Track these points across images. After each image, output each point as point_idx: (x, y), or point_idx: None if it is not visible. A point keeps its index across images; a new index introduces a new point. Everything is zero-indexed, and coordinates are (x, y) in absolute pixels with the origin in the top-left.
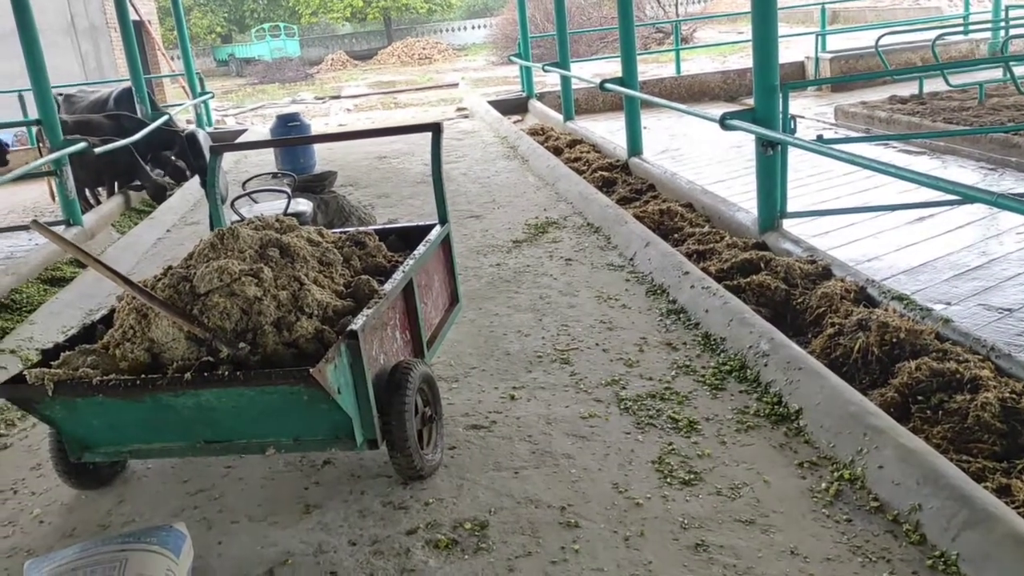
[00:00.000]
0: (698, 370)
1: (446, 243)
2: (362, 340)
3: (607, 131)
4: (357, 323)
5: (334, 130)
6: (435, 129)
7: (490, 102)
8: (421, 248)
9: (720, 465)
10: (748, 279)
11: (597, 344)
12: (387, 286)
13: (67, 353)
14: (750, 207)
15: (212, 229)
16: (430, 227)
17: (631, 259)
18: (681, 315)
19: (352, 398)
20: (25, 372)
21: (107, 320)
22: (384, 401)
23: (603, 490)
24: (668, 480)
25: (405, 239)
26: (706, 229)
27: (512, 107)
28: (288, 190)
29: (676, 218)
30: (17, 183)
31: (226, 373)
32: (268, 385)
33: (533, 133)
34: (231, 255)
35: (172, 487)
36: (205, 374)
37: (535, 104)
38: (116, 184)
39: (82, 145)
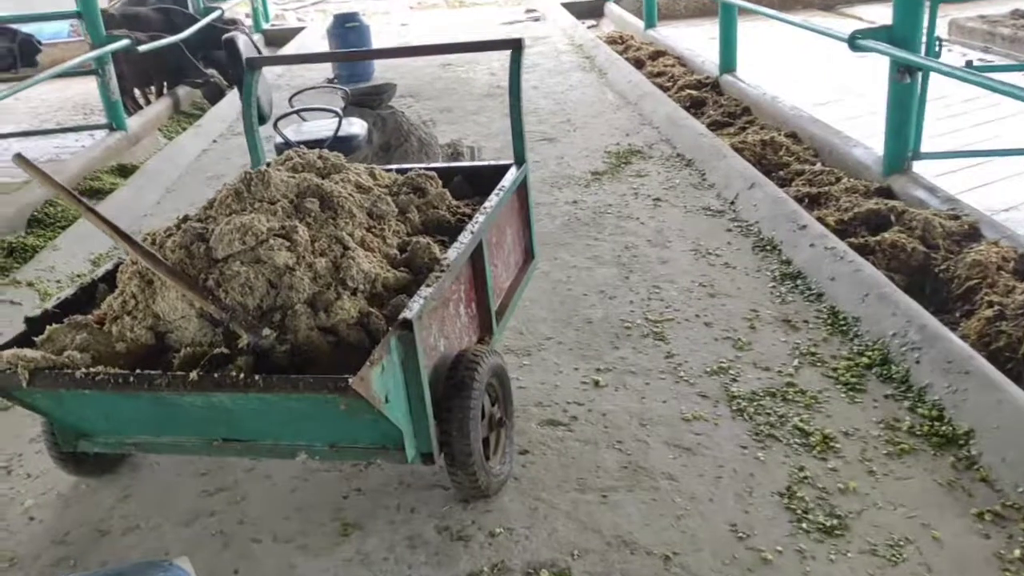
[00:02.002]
0: (827, 360)
1: (522, 189)
2: (418, 331)
3: (692, 41)
4: (412, 308)
5: (395, 30)
6: (515, 47)
7: (563, 4)
8: (494, 198)
9: (871, 508)
10: (878, 237)
11: (697, 315)
12: (451, 253)
13: (53, 327)
14: (870, 142)
15: (251, 158)
16: (504, 168)
17: (732, 203)
18: (799, 281)
19: (403, 405)
20: None
21: (112, 277)
22: (443, 404)
23: (718, 533)
24: (802, 525)
25: (473, 180)
26: (818, 167)
27: (586, 10)
28: (339, 110)
29: (781, 151)
30: (69, 78)
31: (240, 377)
32: (294, 393)
33: (611, 42)
34: (259, 208)
35: (187, 482)
36: (215, 375)
37: (612, 7)
38: (165, 84)
39: (125, 42)
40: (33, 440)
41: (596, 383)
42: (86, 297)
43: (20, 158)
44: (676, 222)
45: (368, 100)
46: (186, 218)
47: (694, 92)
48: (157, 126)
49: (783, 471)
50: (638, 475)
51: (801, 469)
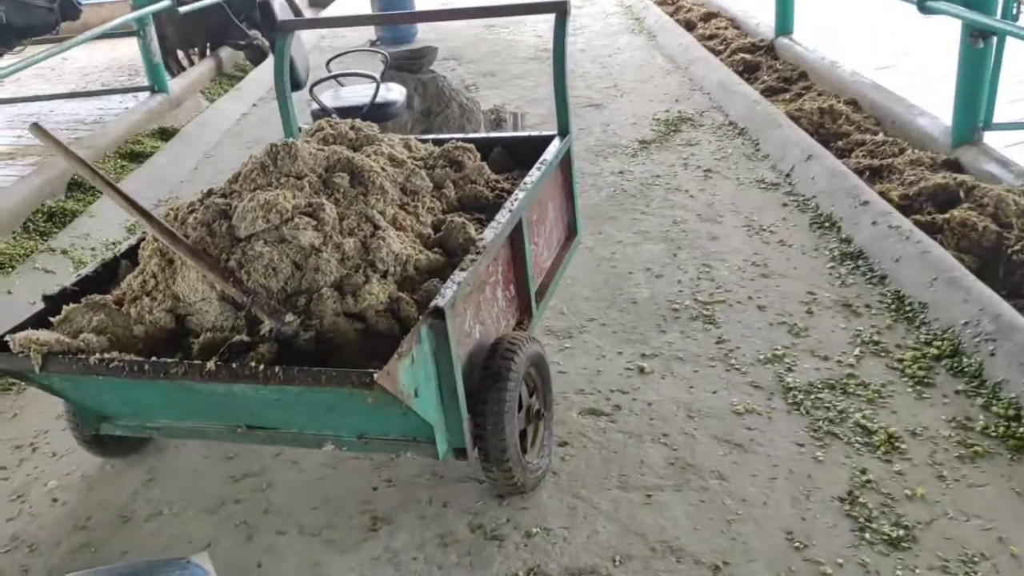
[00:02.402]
0: (891, 350)
1: (566, 161)
2: (451, 319)
3: (746, 2)
4: (445, 295)
5: None
6: (560, 9)
7: None
8: (535, 173)
9: (941, 517)
10: (946, 214)
11: (750, 297)
12: (488, 233)
13: (71, 307)
14: (937, 111)
15: (283, 127)
16: (547, 139)
17: (787, 175)
18: (860, 262)
19: (434, 399)
20: (8, 337)
21: (136, 253)
22: (477, 396)
23: (773, 542)
24: (865, 535)
25: (513, 152)
26: (880, 138)
27: None
28: (377, 76)
29: (840, 120)
30: (117, 39)
31: (260, 368)
32: (317, 387)
33: (661, 3)
34: (285, 183)
35: (213, 466)
36: (234, 365)
37: None
38: (208, 46)
39: (166, 3)
40: (59, 417)
41: (641, 369)
42: (108, 274)
43: (37, 128)
44: (728, 195)
45: (408, 64)
46: (210, 192)
47: (747, 56)
48: (199, 88)
49: (844, 473)
50: (685, 473)
51: (864, 471)
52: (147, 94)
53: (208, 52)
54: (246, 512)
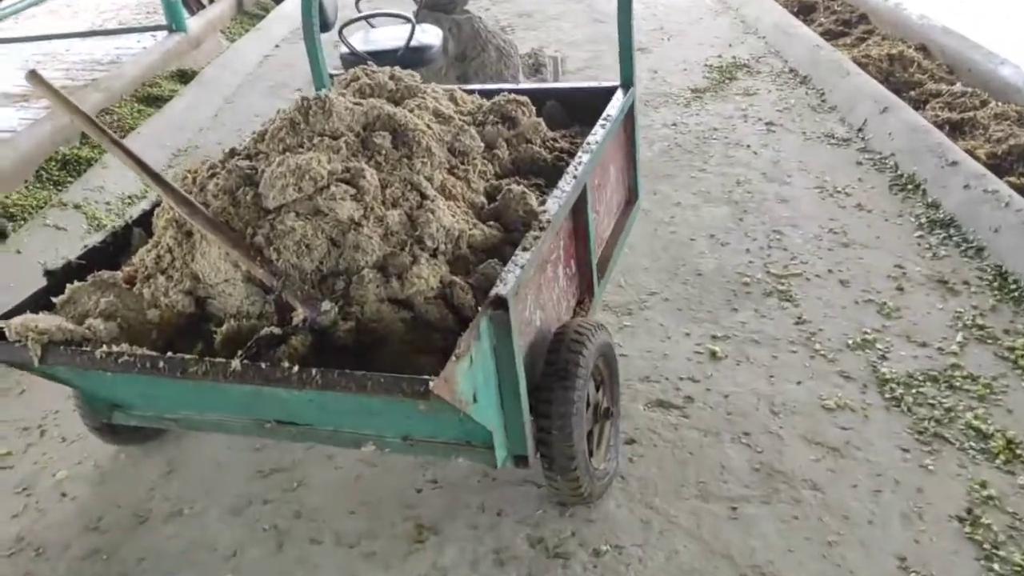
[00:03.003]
0: (999, 336)
1: (629, 118)
2: (514, 310)
3: None
4: (507, 281)
5: None
6: None
7: None
8: (599, 131)
9: None
10: None
11: (830, 271)
12: (551, 204)
13: (75, 286)
14: (1021, 59)
15: (312, 74)
16: (608, 92)
17: (860, 130)
18: (951, 230)
19: (494, 402)
20: (3, 324)
21: (151, 220)
22: (539, 395)
23: (884, 569)
24: (993, 564)
25: (569, 105)
26: (957, 88)
27: None
28: (411, 16)
29: (912, 68)
30: None
31: (294, 371)
32: (361, 394)
33: None
34: (318, 144)
35: (239, 458)
36: (262, 365)
37: None
38: None
39: None
40: (71, 396)
41: (713, 354)
42: (119, 244)
43: (34, 76)
44: (794, 152)
45: (443, 4)
46: (232, 152)
47: None
48: (219, 28)
49: (959, 486)
50: (774, 481)
51: (983, 485)
52: (164, 33)
53: None
54: (276, 514)
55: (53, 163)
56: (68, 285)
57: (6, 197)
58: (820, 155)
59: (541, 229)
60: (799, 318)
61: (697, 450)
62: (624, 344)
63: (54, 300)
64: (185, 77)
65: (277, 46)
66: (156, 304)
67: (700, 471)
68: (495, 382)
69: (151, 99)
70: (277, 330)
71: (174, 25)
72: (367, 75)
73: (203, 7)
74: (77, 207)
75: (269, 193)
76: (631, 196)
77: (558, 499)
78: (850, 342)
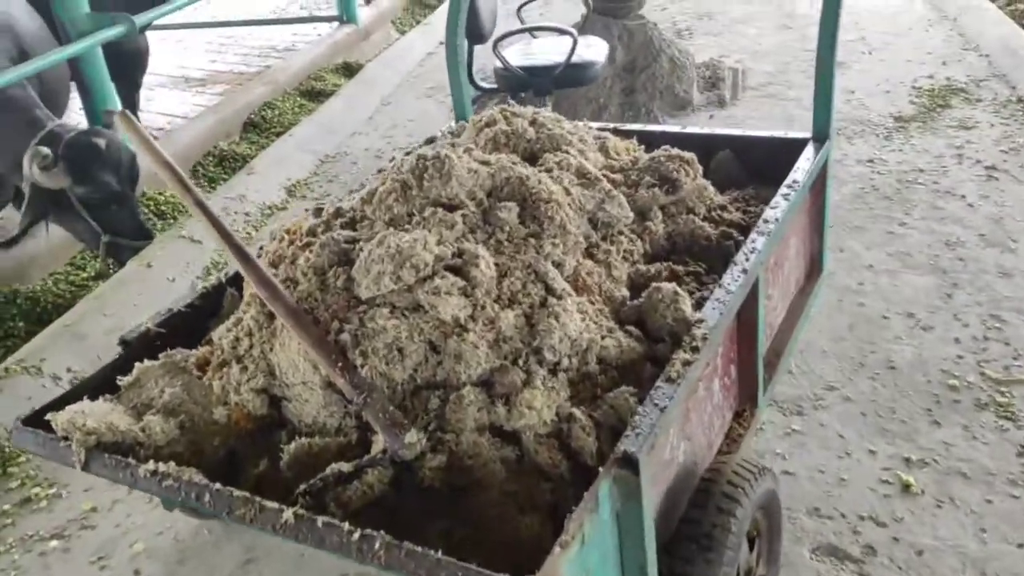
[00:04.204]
0: None
1: (821, 179)
2: (646, 471)
3: None
4: (640, 431)
5: None
6: None
7: None
8: (781, 205)
9: None
10: None
11: None
12: (710, 315)
13: (145, 366)
14: None
15: (453, 100)
16: (794, 145)
17: None
18: None
19: None
20: (49, 416)
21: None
22: (673, 552)
23: None
24: None
25: (746, 156)
26: None
27: None
28: (573, 31)
29: None
30: None
31: (354, 537)
32: None
33: None
34: (431, 216)
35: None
36: (320, 521)
37: None
38: None
39: None
40: None
41: (906, 486)
42: (207, 306)
43: (124, 117)
44: (1022, 207)
45: (615, 8)
46: (338, 213)
47: None
48: (391, 19)
49: None
50: None
51: None
52: (335, 25)
53: None
54: None
55: (210, 158)
56: (137, 364)
57: (159, 193)
58: None
59: (694, 350)
60: (1023, 446)
61: None
62: (790, 457)
63: (119, 381)
64: (350, 71)
65: (441, 43)
66: (225, 400)
67: None
68: (615, 561)
69: (314, 93)
70: (347, 467)
71: (345, 16)
72: (506, 119)
73: None
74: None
75: (362, 280)
76: (814, 268)
77: None
78: None
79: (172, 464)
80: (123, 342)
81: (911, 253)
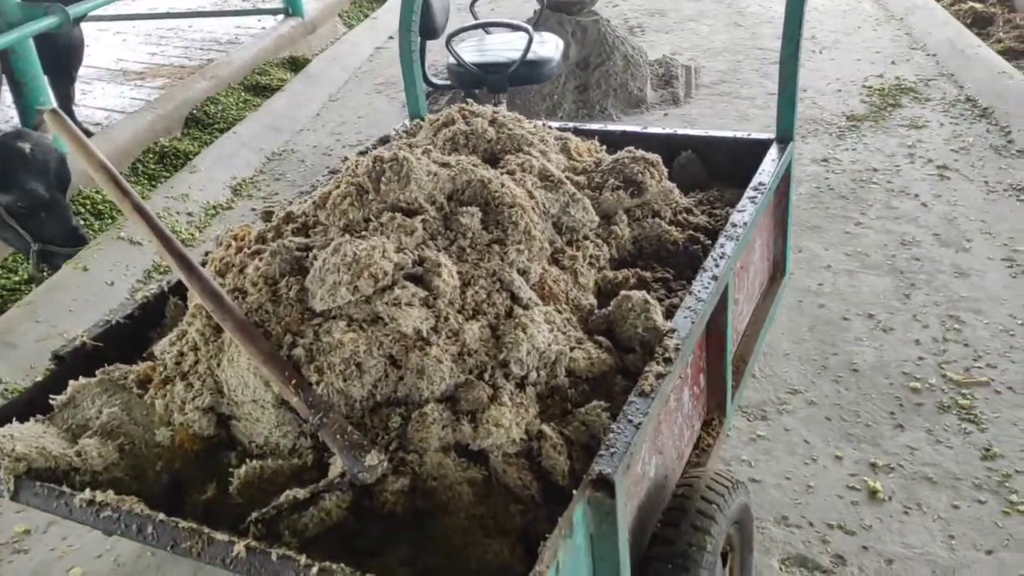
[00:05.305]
0: None
1: (785, 181)
2: (621, 492)
3: None
4: (615, 450)
5: None
6: None
7: None
8: (748, 208)
9: None
10: None
11: None
12: (682, 324)
13: (80, 383)
14: None
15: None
16: (759, 146)
17: None
18: None
19: None
20: None
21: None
22: (645, 570)
23: None
24: None
25: (708, 156)
26: None
27: None
28: (528, 27)
29: None
30: None
31: (311, 572)
32: None
33: None
34: (388, 222)
35: None
36: (274, 552)
37: None
38: None
39: None
40: None
41: (873, 493)
42: (146, 317)
43: (54, 114)
44: (974, 207)
45: (568, 4)
46: (288, 218)
47: (977, 5)
48: (338, 12)
49: None
50: None
51: None
52: (280, 17)
53: None
54: None
55: (151, 155)
56: (72, 381)
57: (96, 192)
58: (1007, 213)
59: (667, 361)
60: (986, 450)
61: None
62: (756, 464)
63: (52, 401)
64: (296, 65)
65: (390, 37)
66: (169, 421)
67: None
68: None
69: (259, 88)
70: (303, 493)
71: (290, 9)
72: (464, 118)
73: None
74: (158, 216)
75: (317, 291)
76: (777, 270)
77: None
78: None
79: (111, 492)
80: (56, 357)
81: (868, 253)
